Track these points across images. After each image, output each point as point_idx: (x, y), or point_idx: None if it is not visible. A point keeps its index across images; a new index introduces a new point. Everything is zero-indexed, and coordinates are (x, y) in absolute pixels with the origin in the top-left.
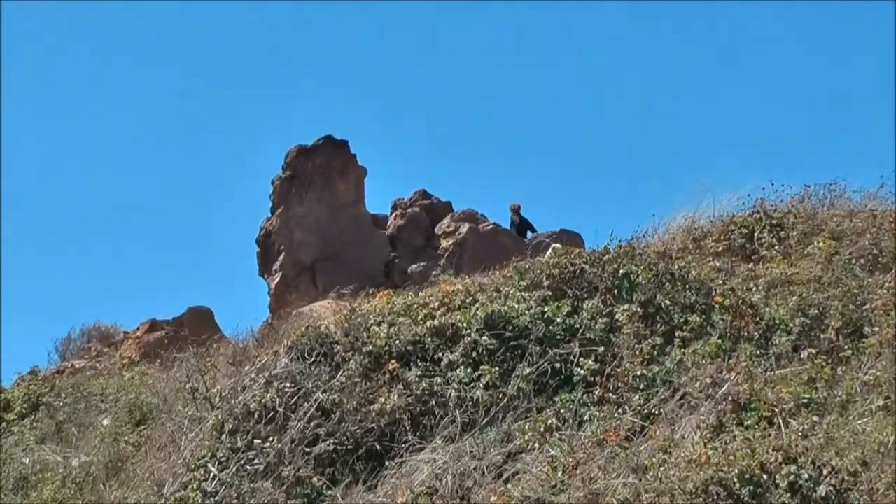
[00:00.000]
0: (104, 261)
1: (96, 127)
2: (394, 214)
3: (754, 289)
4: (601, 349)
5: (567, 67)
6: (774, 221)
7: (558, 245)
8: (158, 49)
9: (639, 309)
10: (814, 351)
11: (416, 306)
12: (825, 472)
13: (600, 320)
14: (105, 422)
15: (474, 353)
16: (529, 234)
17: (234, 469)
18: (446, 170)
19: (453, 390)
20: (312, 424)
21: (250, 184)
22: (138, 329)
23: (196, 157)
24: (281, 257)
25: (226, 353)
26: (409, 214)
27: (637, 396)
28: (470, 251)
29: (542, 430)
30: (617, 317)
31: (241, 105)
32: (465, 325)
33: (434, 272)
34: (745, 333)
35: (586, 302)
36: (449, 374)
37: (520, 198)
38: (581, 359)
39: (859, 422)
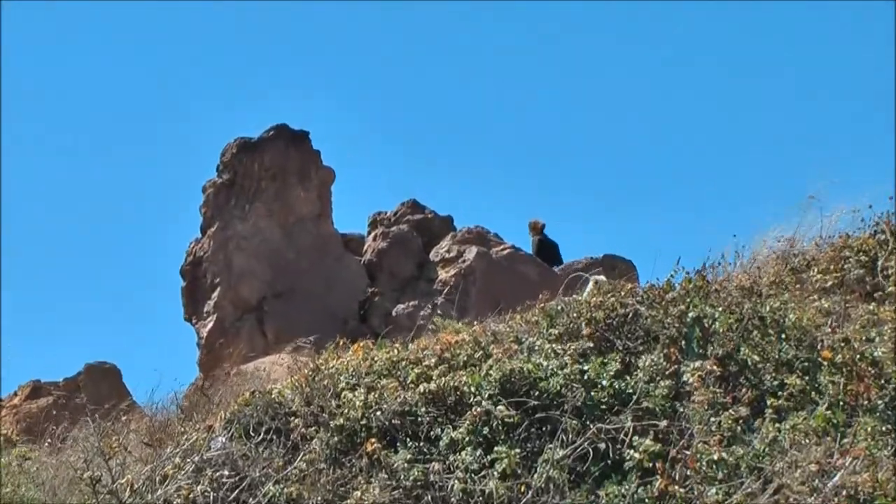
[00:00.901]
0: None
1: None
2: (373, 234)
3: (877, 339)
4: (663, 423)
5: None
6: None
7: (602, 278)
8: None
9: (716, 367)
10: None
11: (404, 363)
12: None
13: (662, 383)
14: None
15: (486, 429)
16: (558, 263)
17: None
18: (443, 175)
19: (457, 481)
20: None
21: (172, 193)
22: (16, 394)
23: (97, 157)
24: (215, 294)
25: (139, 429)
26: (395, 234)
27: (714, 490)
28: (479, 285)
29: None
30: (685, 378)
31: (162, 92)
32: (473, 389)
33: (429, 315)
34: (865, 402)
35: (642, 357)
36: (451, 459)
37: (544, 213)
38: (635, 437)
39: None
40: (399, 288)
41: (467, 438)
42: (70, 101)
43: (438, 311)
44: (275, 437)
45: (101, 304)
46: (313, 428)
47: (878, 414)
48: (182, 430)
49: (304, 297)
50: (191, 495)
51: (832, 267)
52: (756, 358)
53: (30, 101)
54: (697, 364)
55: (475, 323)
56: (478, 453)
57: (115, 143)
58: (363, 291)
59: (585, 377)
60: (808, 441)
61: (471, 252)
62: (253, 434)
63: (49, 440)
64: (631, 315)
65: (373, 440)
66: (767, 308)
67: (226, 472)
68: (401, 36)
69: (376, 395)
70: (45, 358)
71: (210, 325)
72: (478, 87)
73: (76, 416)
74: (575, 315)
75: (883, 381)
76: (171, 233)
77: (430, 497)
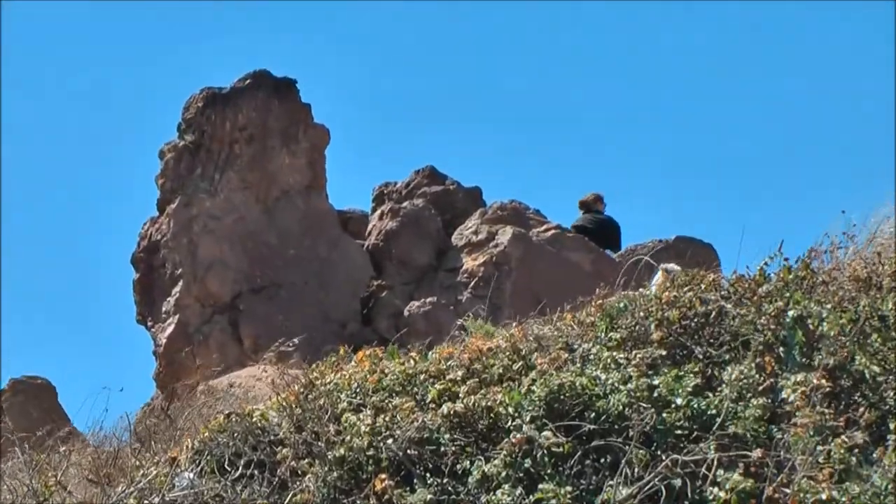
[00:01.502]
0: None
1: None
2: (379, 211)
3: None
4: (756, 453)
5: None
6: None
7: (674, 266)
8: None
9: (824, 381)
10: None
11: (422, 377)
12: None
13: (754, 402)
14: None
15: (528, 462)
16: (617, 247)
17: None
18: (468, 137)
19: None
20: None
21: (120, 160)
22: None
23: (18, 111)
24: (176, 289)
25: (81, 462)
26: (408, 211)
27: None
28: (516, 276)
29: None
30: (784, 395)
31: (101, 26)
32: (511, 410)
33: (452, 315)
34: None
35: (728, 369)
36: (483, 499)
37: (597, 186)
38: (720, 471)
39: None
40: (413, 280)
41: (504, 473)
42: None
43: (465, 311)
44: (257, 472)
45: (28, 302)
46: (306, 460)
47: None
48: (137, 463)
49: (290, 293)
50: None
51: None
52: (876, 369)
53: None
54: (800, 377)
55: (512, 325)
56: (518, 492)
57: (44, 94)
58: (367, 285)
59: (655, 394)
60: None
61: (505, 234)
62: (229, 468)
63: None
64: (714, 314)
65: (383, 476)
66: (890, 305)
67: None
68: None
69: (387, 419)
70: None
71: (170, 328)
72: (513, 25)
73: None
74: (641, 314)
75: None
76: (119, 211)
77: None
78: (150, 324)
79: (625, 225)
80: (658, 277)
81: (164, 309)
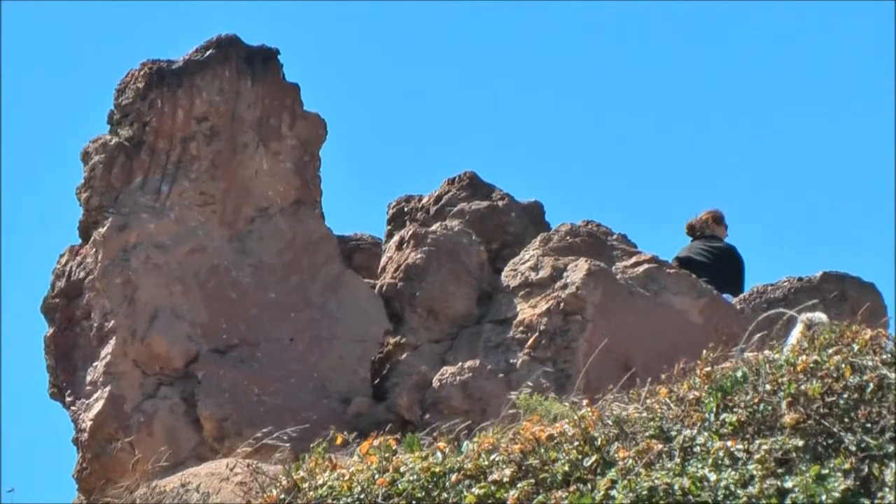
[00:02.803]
0: None
1: None
2: (398, 237)
3: None
4: None
5: None
6: None
7: (822, 316)
8: None
9: None
10: None
11: (453, 478)
12: None
13: None
14: None
15: None
16: (738, 288)
17: None
18: (518, 137)
19: None
20: None
21: (31, 165)
22: None
23: None
24: (107, 350)
25: None
26: (438, 237)
27: None
28: (594, 330)
29: None
30: None
31: None
32: None
33: (500, 387)
34: None
35: (892, 465)
36: None
37: (703, 200)
38: None
39: None
40: (446, 337)
41: None
42: None
43: (520, 382)
44: None
45: None
46: None
47: None
48: None
49: (270, 355)
50: None
51: None
52: None
53: None
54: None
55: (585, 401)
56: None
57: None
58: (380, 343)
59: (789, 502)
60: None
61: (578, 270)
62: None
63: None
64: (872, 387)
65: None
66: None
67: None
68: None
69: None
70: None
71: (98, 405)
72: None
73: None
74: (768, 388)
75: None
76: (27, 239)
77: None
78: (68, 399)
79: (750, 256)
80: (796, 332)
81: (88, 378)
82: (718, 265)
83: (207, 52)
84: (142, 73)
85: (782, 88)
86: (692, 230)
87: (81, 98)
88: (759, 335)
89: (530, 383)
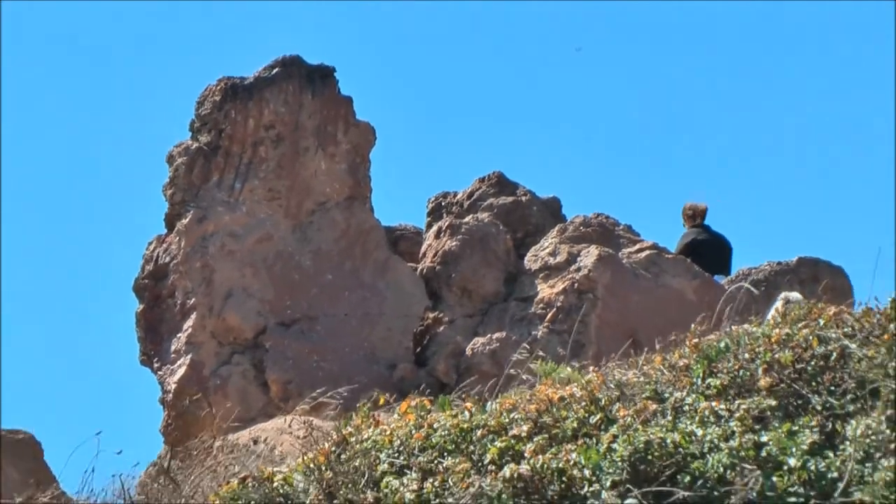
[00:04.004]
0: None
1: None
2: (436, 227)
3: None
4: None
5: None
6: None
7: (795, 295)
8: None
9: None
10: None
11: (480, 433)
12: None
13: (884, 463)
14: None
15: None
16: (725, 270)
17: None
18: (543, 140)
19: None
20: None
21: (122, 165)
22: None
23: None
24: (188, 323)
25: None
26: (471, 227)
27: None
28: (604, 307)
29: None
30: None
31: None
32: (587, 472)
33: (524, 355)
34: None
35: (853, 422)
36: None
37: (696, 194)
38: None
39: None
40: (477, 312)
41: None
42: None
43: (541, 350)
44: None
45: (7, 339)
46: None
47: None
48: None
49: (327, 328)
50: None
51: None
52: None
53: None
54: None
55: (592, 368)
56: None
57: (34, 96)
58: (421, 318)
59: (764, 454)
60: None
61: (590, 255)
62: None
63: None
64: (835, 356)
65: None
66: None
67: None
68: None
69: (436, 484)
70: None
71: (181, 370)
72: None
73: None
74: (747, 356)
75: None
76: (120, 229)
77: None
78: (156, 365)
79: (737, 242)
80: (774, 309)
81: (173, 347)
82: (707, 250)
83: (274, 70)
84: (218, 87)
85: (782, 88)
86: (686, 216)
87: (163, 109)
88: (729, 307)
89: (544, 353)
